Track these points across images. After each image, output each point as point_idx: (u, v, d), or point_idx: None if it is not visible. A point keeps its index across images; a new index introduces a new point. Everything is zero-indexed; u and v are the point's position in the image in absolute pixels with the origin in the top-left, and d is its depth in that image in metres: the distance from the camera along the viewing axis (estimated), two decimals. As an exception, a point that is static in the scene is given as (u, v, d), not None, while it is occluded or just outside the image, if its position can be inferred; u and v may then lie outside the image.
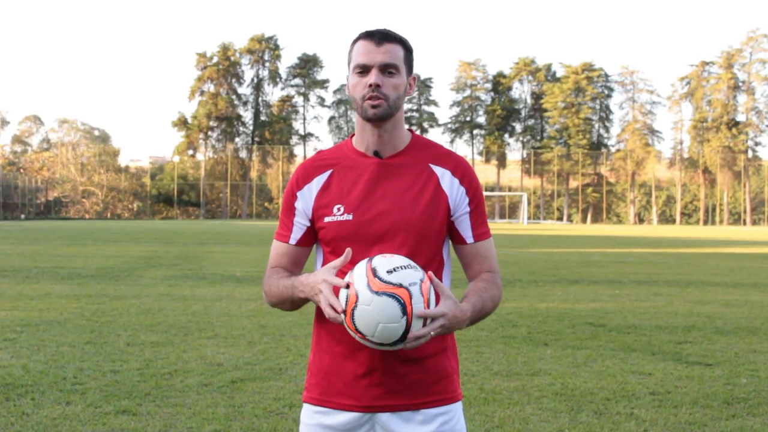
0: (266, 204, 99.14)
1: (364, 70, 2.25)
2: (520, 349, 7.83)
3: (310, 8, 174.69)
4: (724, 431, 5.24)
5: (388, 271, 2.05)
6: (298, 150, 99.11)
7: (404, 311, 2.02)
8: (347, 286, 2.06)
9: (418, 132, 2.48)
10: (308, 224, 2.35)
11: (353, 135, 2.38)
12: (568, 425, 5.29)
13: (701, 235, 50.35)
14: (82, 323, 9.12)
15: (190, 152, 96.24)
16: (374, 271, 2.06)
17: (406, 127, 2.41)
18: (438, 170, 2.32)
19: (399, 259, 2.10)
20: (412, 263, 2.11)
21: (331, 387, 2.29)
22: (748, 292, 13.71)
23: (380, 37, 2.25)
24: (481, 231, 2.36)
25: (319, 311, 2.34)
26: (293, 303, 2.29)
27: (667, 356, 7.61)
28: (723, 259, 23.14)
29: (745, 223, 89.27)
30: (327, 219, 2.29)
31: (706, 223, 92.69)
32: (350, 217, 2.26)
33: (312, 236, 2.37)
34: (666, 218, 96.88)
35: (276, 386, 6.17)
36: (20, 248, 24.43)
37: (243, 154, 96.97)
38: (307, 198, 2.33)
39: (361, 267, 2.09)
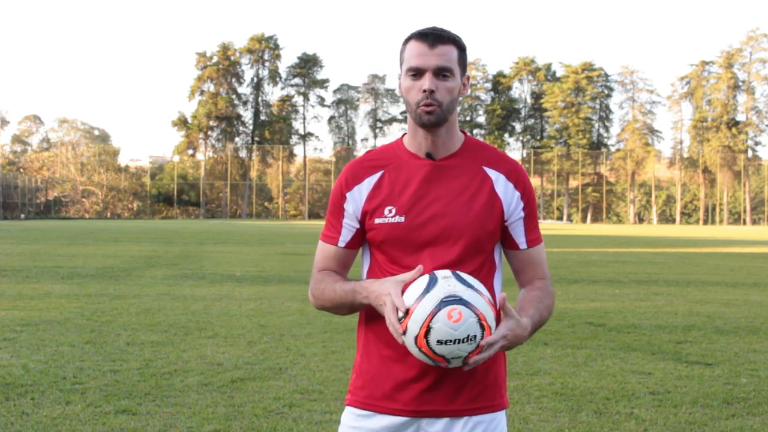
0: (266, 203, 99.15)
1: (417, 73, 2.18)
2: (520, 348, 7.83)
3: (310, 8, 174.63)
4: (724, 431, 5.24)
5: (438, 342, 2.00)
6: (298, 150, 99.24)
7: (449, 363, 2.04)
8: (406, 313, 2.02)
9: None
10: (357, 226, 2.29)
11: (404, 135, 2.33)
12: (568, 425, 5.29)
13: (701, 234, 50.35)
14: (82, 323, 9.12)
15: (190, 152, 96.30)
16: (427, 332, 1.99)
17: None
18: (492, 173, 2.25)
19: (463, 328, 1.99)
20: (476, 330, 2.00)
21: (378, 390, 2.24)
22: (748, 292, 13.71)
23: (434, 38, 2.17)
24: (533, 237, 2.30)
25: (366, 313, 2.30)
26: (352, 308, 2.22)
27: (667, 356, 7.61)
28: (723, 259, 23.14)
29: (744, 223, 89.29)
30: (378, 220, 2.24)
31: (706, 222, 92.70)
32: (402, 219, 2.21)
33: (361, 238, 2.32)
34: (666, 218, 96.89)
35: (276, 386, 6.17)
36: (20, 248, 24.42)
37: (243, 153, 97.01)
38: (357, 199, 2.27)
39: (424, 309, 2.00)
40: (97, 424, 5.13)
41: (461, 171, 2.24)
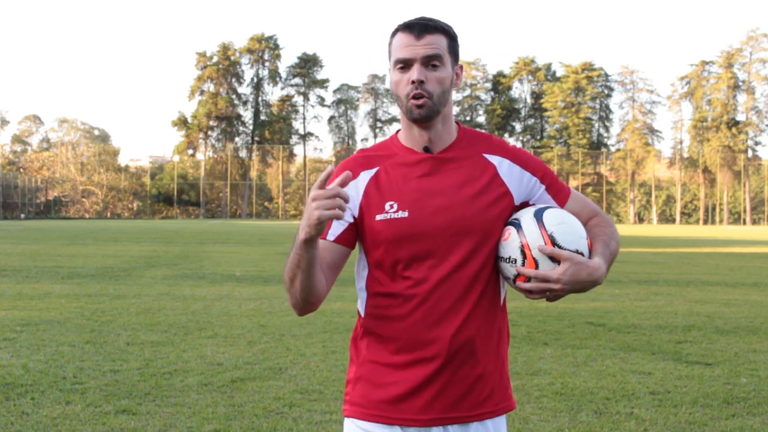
0: (266, 203, 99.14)
1: (405, 65, 2.09)
2: (520, 348, 7.83)
3: (310, 8, 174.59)
4: (724, 431, 5.24)
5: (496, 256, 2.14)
6: (298, 149, 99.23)
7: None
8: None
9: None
10: (351, 220, 2.14)
11: (398, 131, 2.23)
12: (568, 425, 5.29)
13: (701, 234, 50.36)
14: (82, 323, 9.12)
15: (190, 152, 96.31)
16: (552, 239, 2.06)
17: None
18: (494, 159, 2.17)
19: (508, 248, 2.09)
20: (516, 254, 2.08)
21: (384, 400, 2.13)
22: (748, 291, 13.71)
23: (420, 28, 2.09)
24: (562, 195, 2.22)
25: (366, 322, 2.18)
26: (299, 262, 1.97)
27: (667, 356, 7.61)
28: (723, 259, 23.14)
29: (744, 223, 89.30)
30: (379, 217, 2.11)
31: (705, 222, 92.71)
32: (406, 214, 2.09)
33: (352, 235, 2.16)
34: (666, 218, 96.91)
35: (276, 386, 6.17)
36: (20, 248, 24.42)
37: (243, 153, 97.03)
38: (352, 194, 2.13)
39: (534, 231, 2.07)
40: (97, 424, 5.13)
41: (462, 162, 2.15)
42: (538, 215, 2.08)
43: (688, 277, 16.36)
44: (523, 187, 2.18)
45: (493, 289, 2.18)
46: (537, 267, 2.03)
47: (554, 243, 2.04)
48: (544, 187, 2.21)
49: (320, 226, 1.87)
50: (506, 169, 2.17)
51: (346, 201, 1.87)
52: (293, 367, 6.84)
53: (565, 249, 2.04)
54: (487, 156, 2.18)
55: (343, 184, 1.89)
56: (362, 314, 2.20)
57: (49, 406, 5.54)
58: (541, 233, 2.04)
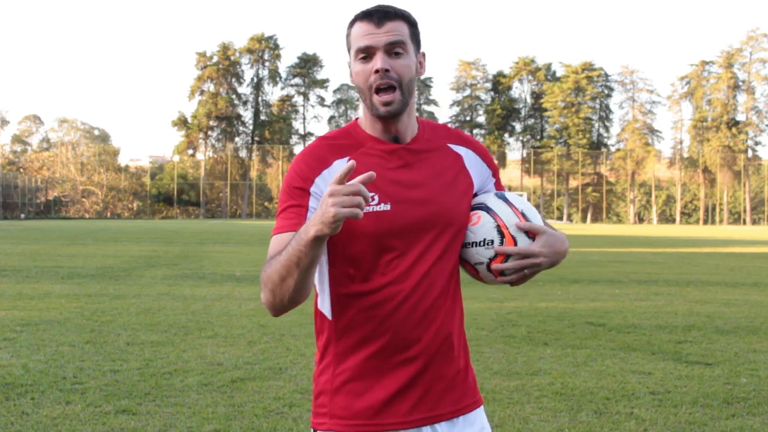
0: (266, 203, 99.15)
1: (367, 54, 1.98)
2: (520, 348, 7.83)
3: (310, 8, 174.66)
4: (724, 431, 5.24)
5: (462, 245, 2.12)
6: (298, 149, 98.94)
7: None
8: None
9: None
10: None
11: (358, 119, 2.12)
12: (568, 425, 5.29)
13: (701, 234, 50.36)
14: (82, 323, 9.12)
15: (190, 152, 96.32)
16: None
17: None
18: (460, 150, 2.14)
19: (481, 232, 2.08)
20: (494, 235, 2.07)
21: (367, 408, 2.01)
22: (748, 291, 13.71)
23: (380, 15, 1.98)
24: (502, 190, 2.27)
25: (337, 323, 2.04)
26: (300, 261, 1.82)
27: (667, 356, 7.61)
28: (723, 259, 23.14)
29: (744, 223, 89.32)
30: None
31: (705, 222, 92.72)
32: (388, 207, 1.97)
33: None
34: (666, 218, 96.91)
35: (276, 386, 6.17)
36: (20, 248, 24.42)
37: (243, 153, 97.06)
38: (326, 185, 1.97)
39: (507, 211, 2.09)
40: (97, 424, 5.13)
41: (432, 153, 2.09)
42: (502, 197, 2.12)
43: (688, 277, 16.36)
44: (482, 178, 2.18)
45: (459, 282, 2.16)
46: (516, 244, 2.06)
47: (527, 220, 2.08)
48: (494, 181, 2.22)
49: (335, 225, 1.74)
50: (471, 160, 2.16)
51: (367, 201, 1.76)
52: (293, 367, 6.83)
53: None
54: (452, 146, 2.14)
55: (365, 183, 1.78)
56: (329, 317, 2.05)
57: (49, 406, 5.54)
58: (514, 212, 2.08)
